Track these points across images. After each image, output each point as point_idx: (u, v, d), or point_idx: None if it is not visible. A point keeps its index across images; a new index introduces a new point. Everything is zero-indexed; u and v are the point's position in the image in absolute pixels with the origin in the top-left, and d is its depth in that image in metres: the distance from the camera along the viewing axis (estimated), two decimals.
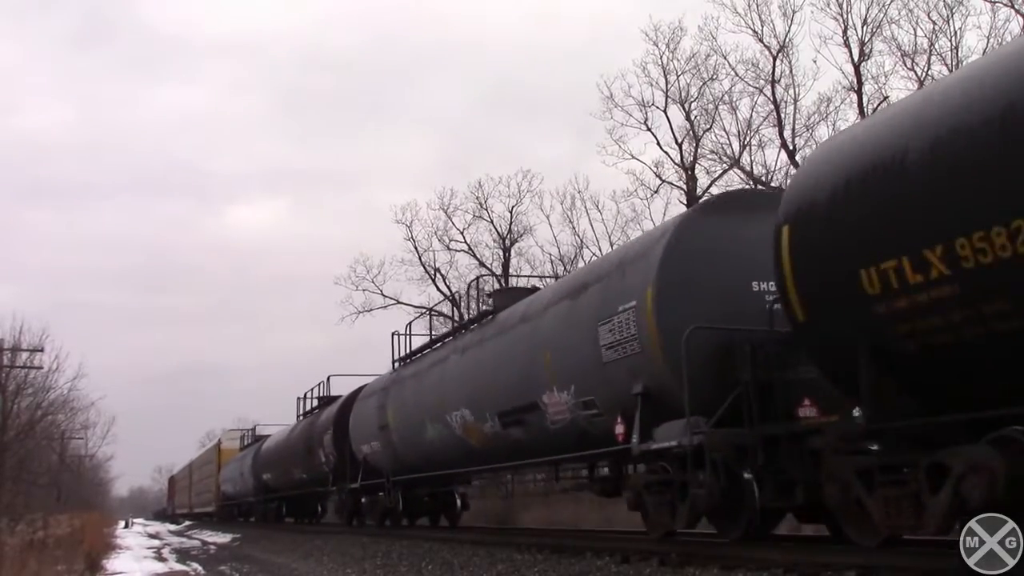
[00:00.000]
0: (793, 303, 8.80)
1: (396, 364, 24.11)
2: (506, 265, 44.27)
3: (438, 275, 46.76)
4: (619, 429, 11.97)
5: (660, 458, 11.42)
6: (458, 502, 25.74)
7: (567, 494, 26.86)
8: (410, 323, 24.85)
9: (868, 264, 7.76)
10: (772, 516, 11.31)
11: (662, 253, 11.41)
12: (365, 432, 24.64)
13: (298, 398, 36.44)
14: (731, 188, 31.26)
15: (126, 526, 69.46)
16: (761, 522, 10.94)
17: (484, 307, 19.60)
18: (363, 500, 27.00)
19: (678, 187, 37.82)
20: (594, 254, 39.54)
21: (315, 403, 34.17)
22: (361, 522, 28.14)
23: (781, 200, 9.19)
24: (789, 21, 34.34)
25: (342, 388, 31.23)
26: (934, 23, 31.53)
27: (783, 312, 9.05)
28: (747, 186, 33.43)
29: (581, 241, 41.68)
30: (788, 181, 12.90)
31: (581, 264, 38.75)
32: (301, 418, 35.68)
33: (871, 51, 32.79)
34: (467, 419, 17.51)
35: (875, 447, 8.51)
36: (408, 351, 23.42)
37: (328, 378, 33.62)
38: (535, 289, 18.28)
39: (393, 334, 24.47)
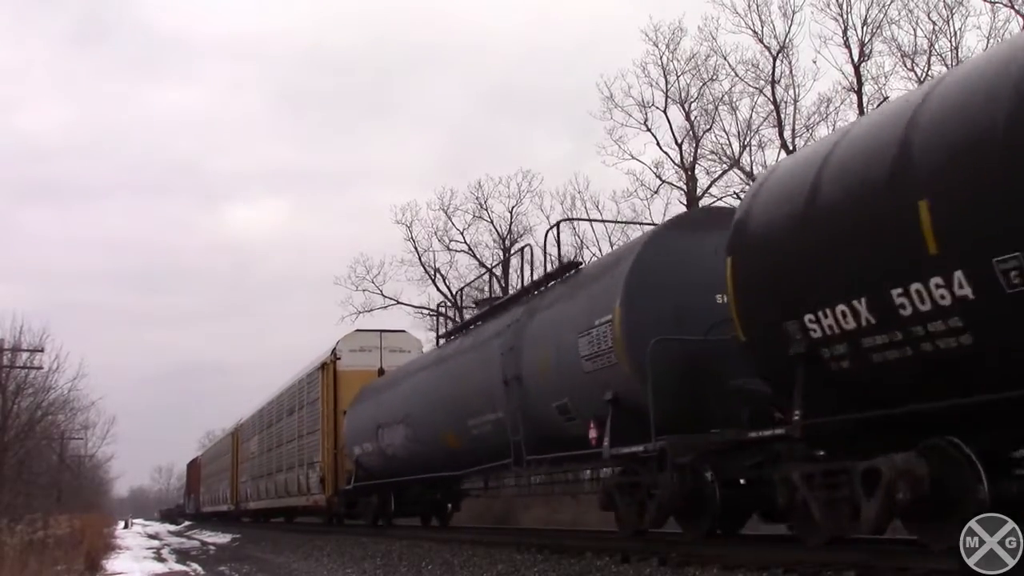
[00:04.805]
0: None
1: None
2: (506, 265, 44.71)
3: (438, 275, 47.28)
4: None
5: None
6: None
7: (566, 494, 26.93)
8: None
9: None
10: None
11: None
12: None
13: None
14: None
15: (126, 526, 69.56)
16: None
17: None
18: None
19: (678, 187, 38.32)
20: (594, 254, 39.97)
21: None
22: None
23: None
24: (789, 21, 35.11)
25: None
26: (934, 23, 32.35)
27: None
28: (747, 185, 34.04)
29: (581, 241, 41.94)
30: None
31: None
32: None
33: (871, 51, 33.52)
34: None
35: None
36: None
37: None
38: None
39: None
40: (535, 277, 16.49)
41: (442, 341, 22.43)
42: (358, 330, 31.37)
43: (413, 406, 20.60)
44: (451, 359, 19.21)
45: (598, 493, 13.56)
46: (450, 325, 24.62)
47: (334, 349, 28.95)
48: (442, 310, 27.50)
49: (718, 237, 11.17)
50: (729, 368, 11.04)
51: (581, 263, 15.73)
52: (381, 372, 27.28)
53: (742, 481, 11.04)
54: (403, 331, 30.78)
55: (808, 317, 8.54)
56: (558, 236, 16.02)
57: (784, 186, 9.15)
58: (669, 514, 11.92)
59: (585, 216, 43.12)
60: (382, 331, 29.90)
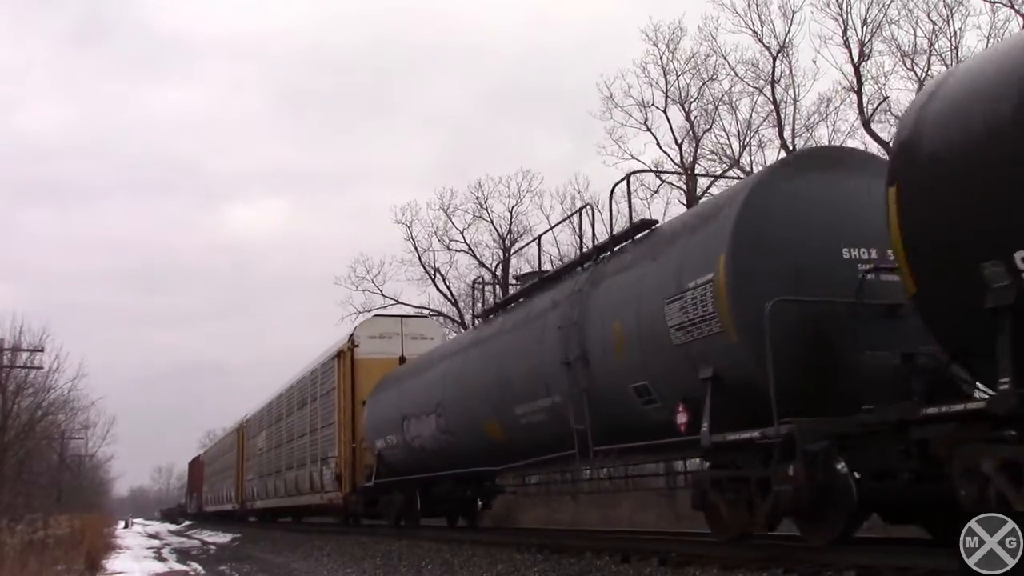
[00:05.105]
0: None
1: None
2: (506, 265, 42.94)
3: (438, 275, 45.31)
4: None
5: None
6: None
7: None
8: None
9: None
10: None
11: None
12: None
13: None
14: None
15: (126, 526, 68.21)
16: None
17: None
18: None
19: (678, 187, 36.70)
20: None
21: None
22: None
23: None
24: (789, 21, 33.40)
25: None
26: (934, 23, 30.70)
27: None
28: None
29: (581, 241, 40.23)
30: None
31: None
32: None
33: (871, 51, 31.86)
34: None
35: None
36: None
37: None
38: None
39: None
40: (597, 241, 13.43)
41: (478, 322, 18.85)
42: (377, 315, 28.63)
43: (446, 394, 17.41)
44: (492, 339, 15.96)
45: (691, 490, 10.82)
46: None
47: (351, 335, 25.50)
48: (479, 285, 22.51)
49: (843, 179, 9.09)
50: (863, 336, 8.78)
51: (656, 221, 12.74)
52: (402, 360, 24.10)
53: (856, 475, 8.58)
54: (425, 316, 27.87)
55: (1021, 255, 6.21)
56: (629, 190, 13.32)
57: (975, 88, 6.71)
58: (789, 514, 9.27)
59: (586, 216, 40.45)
60: (403, 316, 26.78)
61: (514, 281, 17.83)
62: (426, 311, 44.47)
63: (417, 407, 18.82)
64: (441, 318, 43.81)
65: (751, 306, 8.91)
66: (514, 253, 39.71)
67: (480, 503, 22.00)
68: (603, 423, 11.90)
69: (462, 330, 37.83)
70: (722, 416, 9.46)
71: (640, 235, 12.39)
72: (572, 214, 14.91)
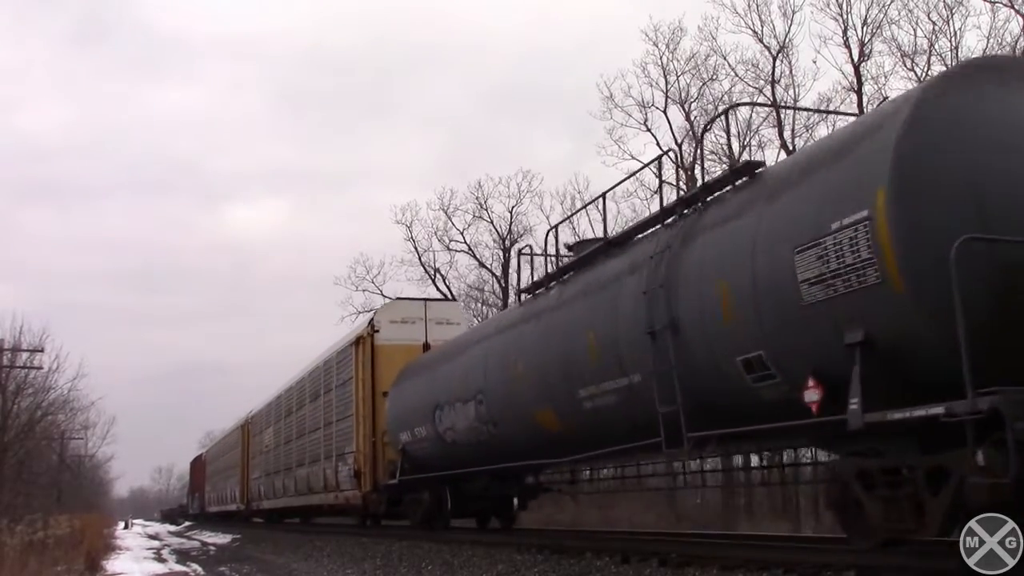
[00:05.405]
0: None
1: None
2: (506, 265, 42.48)
3: (438, 275, 45.04)
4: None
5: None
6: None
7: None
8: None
9: None
10: None
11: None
12: None
13: None
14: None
15: (125, 527, 67.65)
16: None
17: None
18: None
19: (678, 188, 36.04)
20: None
21: None
22: None
23: None
24: (789, 21, 33.02)
25: None
26: (934, 23, 30.39)
27: None
28: None
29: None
30: None
31: None
32: None
33: (871, 51, 31.54)
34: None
35: None
36: None
37: None
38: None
39: None
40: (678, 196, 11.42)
41: (524, 297, 16.19)
42: (400, 298, 26.02)
43: (489, 378, 15.14)
44: (548, 313, 13.54)
45: (827, 485, 9.03)
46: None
47: (372, 320, 23.25)
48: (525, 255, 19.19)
49: None
50: None
51: (762, 162, 10.51)
52: (426, 347, 22.11)
53: None
54: (451, 300, 26.46)
55: None
56: (728, 128, 11.97)
57: None
58: (982, 512, 6.77)
59: (585, 216, 39.12)
60: (427, 300, 24.72)
61: (566, 251, 15.68)
62: None
63: (452, 395, 16.78)
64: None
65: (924, 248, 7.12)
66: (651, 162, 38.93)
67: (516, 502, 20.38)
68: (696, 405, 9.96)
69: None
70: (872, 390, 7.62)
71: (740, 181, 10.27)
72: (652, 161, 12.93)
